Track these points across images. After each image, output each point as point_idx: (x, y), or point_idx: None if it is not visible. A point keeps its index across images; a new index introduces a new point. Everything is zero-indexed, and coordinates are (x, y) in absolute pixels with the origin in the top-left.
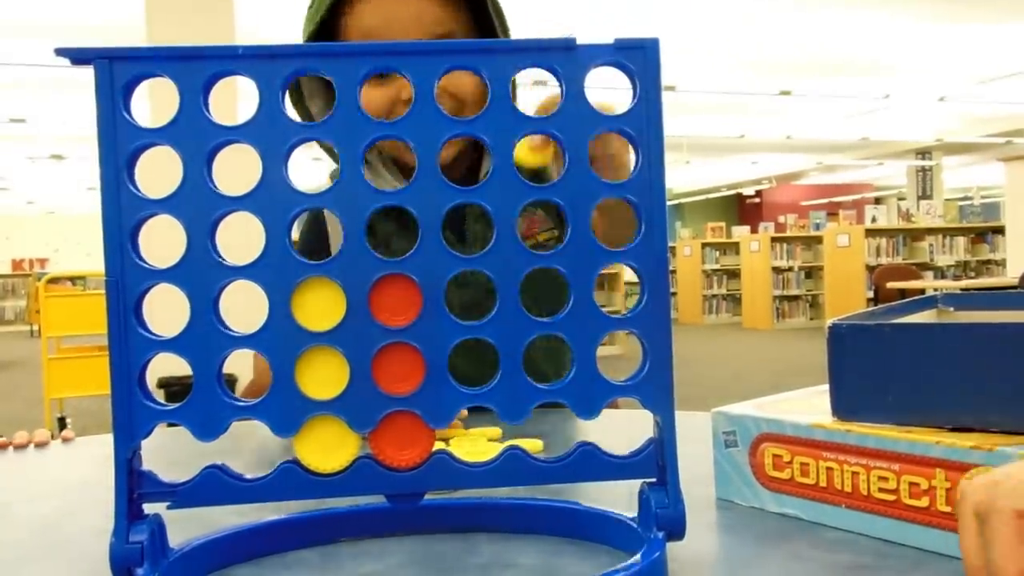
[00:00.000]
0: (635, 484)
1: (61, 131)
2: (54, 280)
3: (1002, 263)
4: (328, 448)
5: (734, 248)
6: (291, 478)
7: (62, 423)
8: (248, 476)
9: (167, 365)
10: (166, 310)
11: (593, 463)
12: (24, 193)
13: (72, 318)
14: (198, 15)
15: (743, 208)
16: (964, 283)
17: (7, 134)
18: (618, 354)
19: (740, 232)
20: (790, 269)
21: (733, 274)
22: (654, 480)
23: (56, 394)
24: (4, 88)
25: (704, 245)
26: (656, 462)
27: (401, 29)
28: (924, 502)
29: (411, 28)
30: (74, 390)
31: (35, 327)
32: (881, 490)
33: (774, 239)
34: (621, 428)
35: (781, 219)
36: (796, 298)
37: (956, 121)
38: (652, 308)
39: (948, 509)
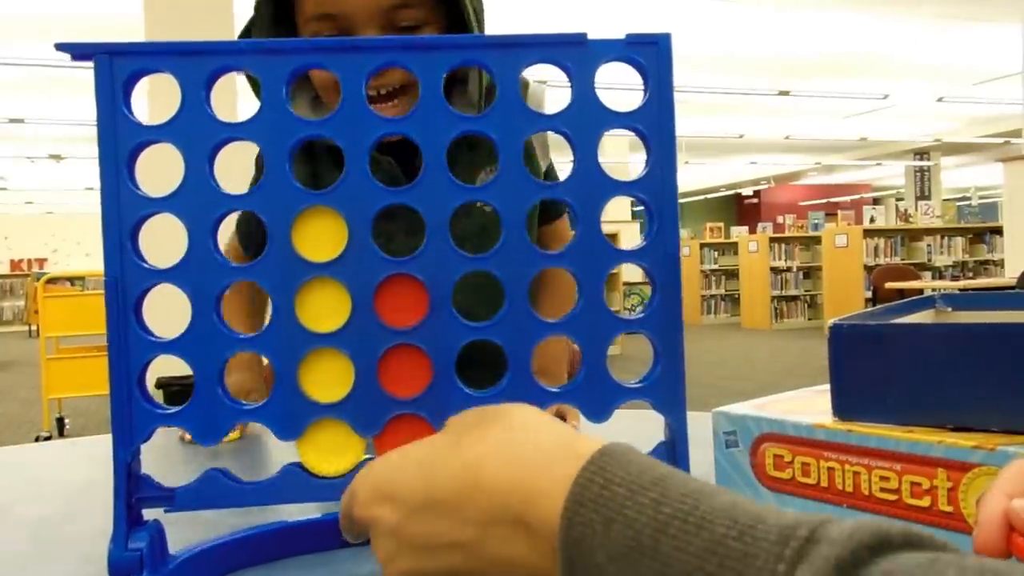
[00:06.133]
0: None
1: (60, 131)
2: (53, 280)
3: (1000, 263)
4: (332, 452)
5: (732, 248)
6: (292, 481)
7: (61, 423)
8: (248, 479)
9: (166, 365)
10: (166, 311)
11: None
12: (23, 193)
13: (71, 318)
14: (197, 11)
15: (741, 208)
16: (962, 283)
17: (6, 134)
18: (616, 353)
19: (738, 232)
20: (788, 269)
21: (731, 274)
22: None
23: (55, 394)
24: (3, 88)
25: (702, 245)
26: None
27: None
28: (926, 502)
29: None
30: (73, 390)
31: (34, 327)
32: (883, 490)
33: (772, 239)
34: (630, 428)
35: (779, 219)
36: (794, 298)
37: (954, 121)
38: (664, 309)
39: (950, 509)
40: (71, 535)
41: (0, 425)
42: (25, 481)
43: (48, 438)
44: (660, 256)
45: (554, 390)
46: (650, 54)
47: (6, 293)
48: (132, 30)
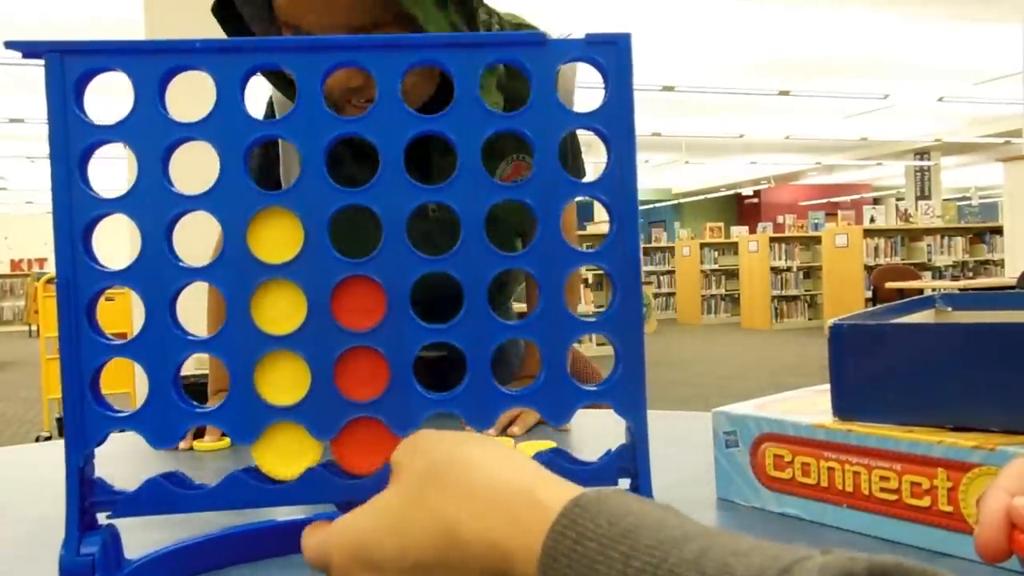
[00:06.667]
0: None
1: None
2: (53, 280)
3: (1000, 263)
4: (288, 455)
5: (733, 248)
6: (237, 487)
7: (61, 423)
8: (194, 484)
9: None
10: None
11: (562, 472)
12: (23, 193)
13: None
14: (197, 13)
15: (742, 208)
16: (962, 283)
17: (6, 134)
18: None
19: (739, 232)
20: (788, 269)
21: (732, 274)
22: (627, 488)
23: (55, 394)
24: (3, 88)
25: (703, 245)
26: (616, 471)
27: (307, 9)
28: (926, 502)
29: (322, 13)
30: None
31: (34, 327)
32: (883, 490)
33: (773, 239)
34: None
35: (780, 219)
36: (795, 298)
37: (955, 121)
38: (624, 310)
39: (950, 509)
40: None
41: (0, 425)
42: (25, 481)
43: (48, 438)
44: (620, 257)
45: (512, 393)
46: (610, 54)
47: (6, 293)
48: (133, 32)
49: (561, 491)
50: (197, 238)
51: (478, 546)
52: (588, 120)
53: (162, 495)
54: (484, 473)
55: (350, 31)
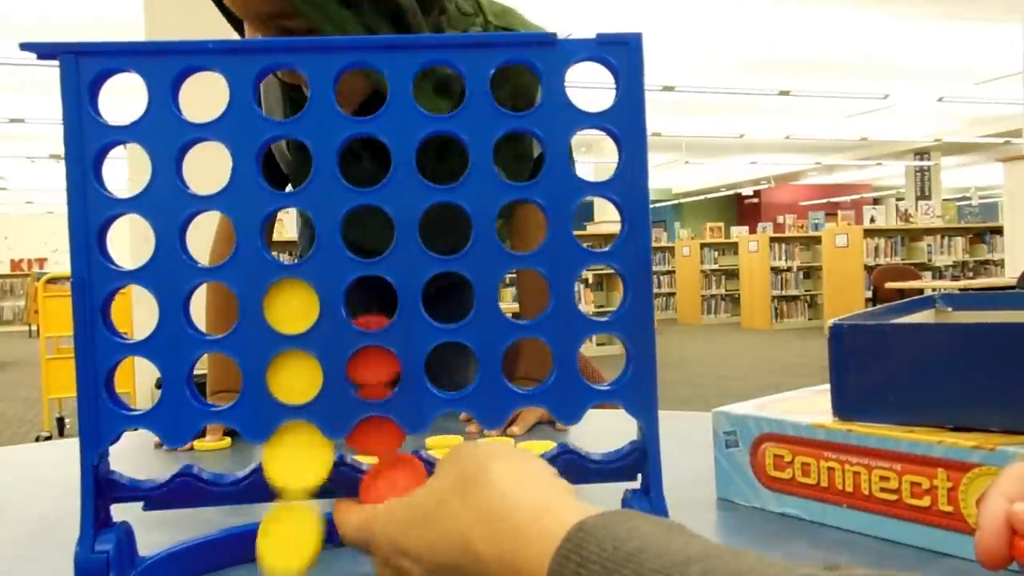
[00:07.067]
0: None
1: (60, 131)
2: (52, 280)
3: (1000, 263)
4: (298, 467)
5: (733, 248)
6: (258, 483)
7: (61, 423)
8: (219, 481)
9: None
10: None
11: (573, 469)
12: (23, 193)
13: (70, 318)
14: (197, 13)
15: (742, 208)
16: (962, 283)
17: (6, 134)
18: (619, 353)
19: (739, 232)
20: (789, 269)
21: (732, 274)
22: (637, 487)
23: (55, 394)
24: (4, 88)
25: (703, 245)
26: (628, 468)
27: None
28: (926, 502)
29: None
30: (73, 390)
31: (34, 327)
32: (883, 490)
33: (773, 239)
34: (611, 426)
35: (780, 219)
36: (795, 298)
37: (955, 121)
38: (635, 310)
39: (950, 509)
40: (70, 534)
41: (0, 425)
42: (25, 481)
43: (48, 438)
44: (632, 257)
45: (522, 392)
46: (621, 54)
47: (6, 293)
48: (133, 31)
49: (569, 513)
50: (206, 237)
51: (490, 560)
52: (599, 120)
53: (190, 491)
54: (500, 493)
55: (259, 17)
